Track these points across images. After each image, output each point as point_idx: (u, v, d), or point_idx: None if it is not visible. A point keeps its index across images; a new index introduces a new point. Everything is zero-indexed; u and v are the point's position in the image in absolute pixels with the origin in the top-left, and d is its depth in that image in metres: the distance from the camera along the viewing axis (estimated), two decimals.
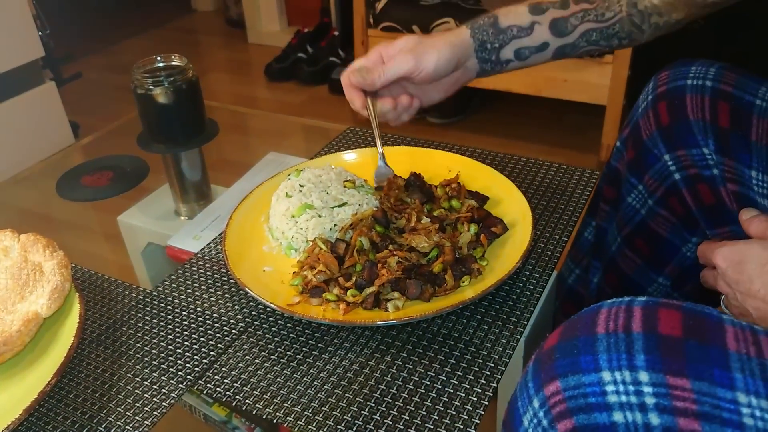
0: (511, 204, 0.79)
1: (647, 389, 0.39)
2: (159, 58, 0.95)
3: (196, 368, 0.66)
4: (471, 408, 0.59)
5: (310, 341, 0.68)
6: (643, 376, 0.39)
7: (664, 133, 0.79)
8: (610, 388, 0.40)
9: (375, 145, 0.87)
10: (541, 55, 0.86)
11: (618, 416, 0.40)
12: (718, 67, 0.76)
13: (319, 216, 0.76)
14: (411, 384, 0.62)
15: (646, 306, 0.43)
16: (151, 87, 0.91)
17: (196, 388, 0.64)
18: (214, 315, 0.73)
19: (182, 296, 0.76)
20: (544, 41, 0.84)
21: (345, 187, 0.79)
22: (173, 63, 0.96)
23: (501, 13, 0.87)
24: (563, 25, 0.83)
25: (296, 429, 0.59)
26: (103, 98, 2.74)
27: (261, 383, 0.64)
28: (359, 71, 0.83)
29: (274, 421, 0.60)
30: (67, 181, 1.08)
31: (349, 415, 0.60)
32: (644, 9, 0.79)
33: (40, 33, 2.21)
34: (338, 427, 0.59)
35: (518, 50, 0.86)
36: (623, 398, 0.40)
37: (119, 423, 0.61)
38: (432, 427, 0.58)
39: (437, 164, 0.88)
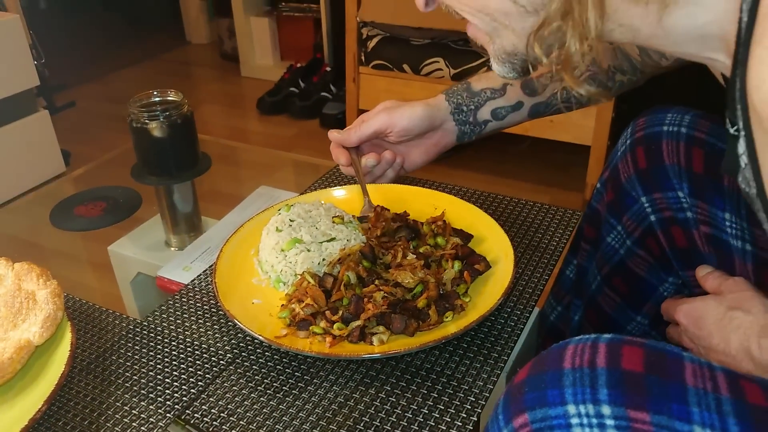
0: (495, 242, 0.82)
1: (609, 422, 0.41)
2: (155, 93, 0.98)
3: (184, 398, 0.67)
4: None
5: (296, 373, 0.70)
6: (606, 410, 0.42)
7: (641, 176, 0.83)
8: (574, 420, 0.42)
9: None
10: (518, 113, 0.91)
11: None
12: (693, 115, 0.80)
13: (308, 250, 0.78)
14: (394, 416, 0.64)
15: (610, 343, 0.45)
16: (146, 121, 0.94)
17: (183, 417, 0.66)
18: (203, 346, 0.74)
19: (172, 326, 0.77)
20: (519, 100, 0.89)
21: (334, 222, 0.82)
22: (169, 98, 0.98)
23: (473, 79, 0.93)
24: (534, 85, 0.87)
25: None
26: (96, 127, 2.76)
27: (247, 414, 0.65)
28: (339, 131, 0.91)
29: None
30: (61, 211, 1.10)
31: None
32: (609, 68, 0.83)
33: (35, 62, 2.25)
34: None
35: (495, 110, 0.91)
36: (587, 430, 0.42)
37: None
38: None
39: (424, 202, 0.91)
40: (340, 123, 2.52)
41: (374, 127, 0.90)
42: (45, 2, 4.42)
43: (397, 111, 0.90)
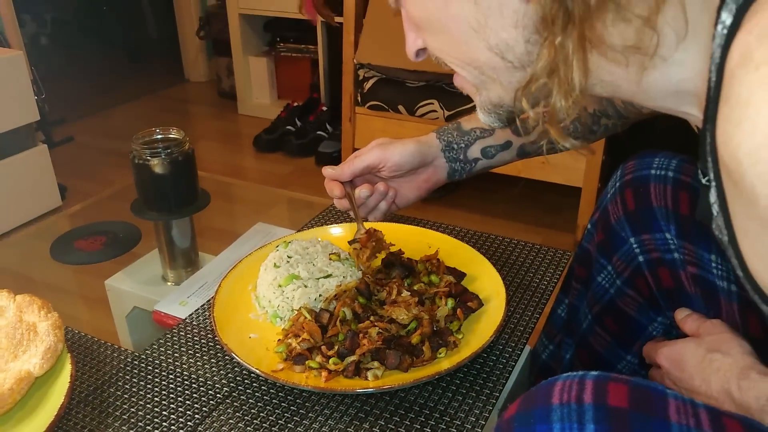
0: (487, 281, 0.84)
1: None
2: (157, 130, 1.01)
3: (181, 430, 0.68)
4: None
5: (292, 407, 0.71)
6: None
7: (630, 217, 0.85)
8: None
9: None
10: (507, 153, 0.94)
11: None
12: (679, 160, 0.83)
13: (305, 286, 0.80)
14: None
15: (597, 379, 0.47)
16: (148, 158, 0.96)
17: None
18: (200, 379, 0.75)
19: (169, 360, 0.78)
20: (507, 140, 0.93)
21: (330, 259, 0.83)
22: (171, 135, 1.01)
23: (464, 119, 0.97)
24: (522, 126, 0.91)
25: None
26: (93, 162, 2.79)
27: None
28: (333, 167, 0.94)
29: None
30: (61, 245, 1.11)
31: None
32: (594, 112, 0.86)
33: (36, 97, 2.28)
34: None
35: (484, 149, 0.94)
36: None
37: None
38: None
39: (418, 240, 0.93)
40: (336, 161, 2.55)
41: (367, 162, 0.93)
42: (46, 37, 4.48)
43: (389, 147, 0.94)
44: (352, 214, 0.95)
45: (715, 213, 0.50)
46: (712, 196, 0.50)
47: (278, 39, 3.16)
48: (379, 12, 2.16)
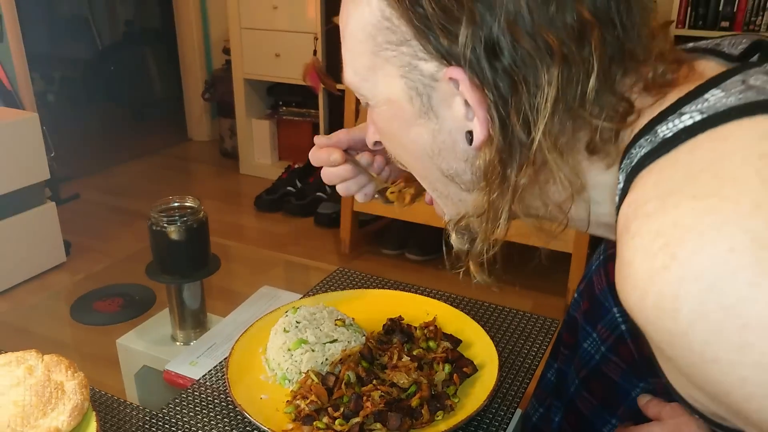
0: (481, 347, 0.90)
1: None
2: (174, 199, 1.08)
3: None
4: None
5: None
6: None
7: (612, 289, 0.91)
8: None
9: (361, 288, 0.99)
10: None
11: None
12: None
13: (313, 350, 0.86)
14: None
15: None
16: (165, 225, 1.03)
17: None
18: None
19: (185, 419, 0.84)
20: None
21: (336, 325, 0.90)
22: (187, 204, 1.08)
23: None
24: None
25: None
26: (97, 219, 2.86)
27: None
28: (326, 136, 0.83)
29: None
30: (81, 306, 1.17)
31: None
32: None
33: (47, 156, 2.36)
34: None
35: None
36: None
37: None
38: None
39: (417, 308, 1.00)
40: (335, 222, 2.64)
41: (364, 131, 0.78)
42: (53, 95, 4.61)
43: None
44: (354, 186, 0.83)
45: None
46: None
47: (281, 103, 3.28)
48: None
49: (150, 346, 1.10)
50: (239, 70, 3.19)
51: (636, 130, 0.52)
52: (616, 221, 0.51)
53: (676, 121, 0.49)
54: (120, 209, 2.90)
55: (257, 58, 3.11)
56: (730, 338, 0.42)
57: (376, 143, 0.69)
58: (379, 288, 1.11)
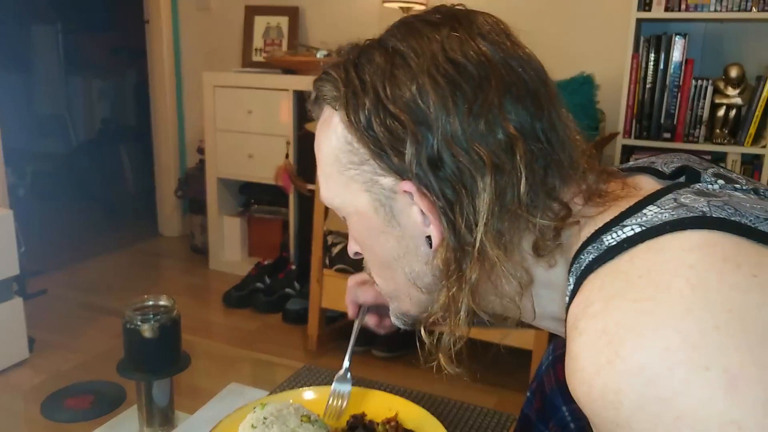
0: None
1: None
2: (149, 298, 1.12)
3: None
4: None
5: None
6: None
7: (561, 388, 0.98)
8: None
9: (327, 384, 1.04)
10: None
11: None
12: None
13: None
14: None
15: None
16: (139, 323, 1.07)
17: None
18: None
19: None
20: None
21: (302, 421, 0.94)
22: (161, 303, 1.13)
23: None
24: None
25: None
26: (63, 315, 2.84)
27: None
28: (360, 281, 1.02)
29: None
30: (52, 403, 1.19)
31: None
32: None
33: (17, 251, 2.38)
34: None
35: None
36: None
37: None
38: None
39: (380, 404, 1.04)
40: (302, 318, 2.67)
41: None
42: (24, 189, 4.63)
43: None
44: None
45: None
46: None
47: (253, 201, 3.36)
48: None
49: None
50: (213, 169, 3.28)
51: (584, 238, 0.60)
52: (566, 319, 0.58)
53: (619, 232, 0.57)
54: (87, 305, 2.90)
55: (231, 158, 3.21)
56: (667, 428, 0.47)
57: (356, 254, 0.77)
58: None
